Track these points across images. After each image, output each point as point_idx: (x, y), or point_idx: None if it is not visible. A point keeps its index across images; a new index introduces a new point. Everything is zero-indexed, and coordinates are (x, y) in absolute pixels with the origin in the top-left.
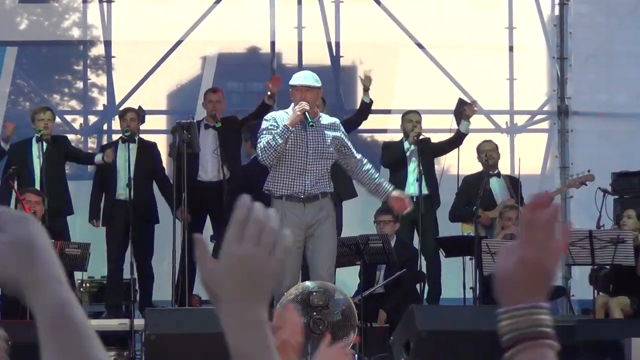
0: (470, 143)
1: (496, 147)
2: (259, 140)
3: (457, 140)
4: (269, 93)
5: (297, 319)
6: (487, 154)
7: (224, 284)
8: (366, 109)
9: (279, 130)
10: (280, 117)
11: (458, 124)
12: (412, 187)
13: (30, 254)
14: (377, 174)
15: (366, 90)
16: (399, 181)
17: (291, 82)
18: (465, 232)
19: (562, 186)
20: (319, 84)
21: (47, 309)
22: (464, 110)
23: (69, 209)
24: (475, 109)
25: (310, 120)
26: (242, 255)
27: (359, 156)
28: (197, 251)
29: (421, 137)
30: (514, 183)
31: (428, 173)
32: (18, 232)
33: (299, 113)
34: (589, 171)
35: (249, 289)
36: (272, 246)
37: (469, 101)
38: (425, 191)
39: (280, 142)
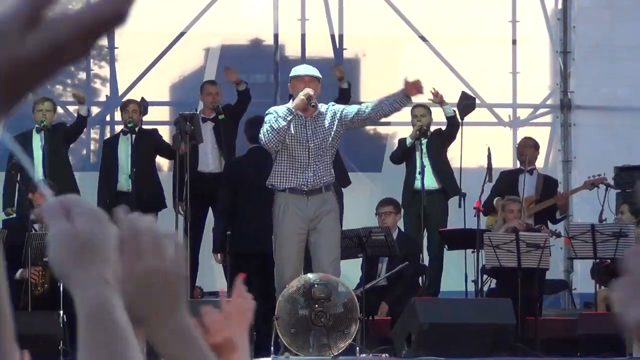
0: (473, 136)
1: (534, 144)
2: (262, 129)
3: (451, 125)
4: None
5: (245, 299)
6: (521, 150)
7: (137, 303)
8: (345, 94)
9: (281, 113)
10: (281, 111)
11: (461, 117)
12: (418, 181)
13: (84, 251)
14: (381, 100)
15: (340, 79)
16: (408, 176)
17: (293, 74)
18: (490, 225)
19: (578, 187)
20: (320, 76)
21: (86, 307)
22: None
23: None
24: (439, 96)
25: (312, 102)
26: (147, 271)
27: (358, 106)
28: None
29: (432, 128)
30: (548, 182)
31: (438, 164)
32: (82, 227)
33: (302, 97)
34: (599, 175)
35: (165, 301)
36: (168, 251)
37: (472, 94)
38: (435, 185)
39: (283, 124)
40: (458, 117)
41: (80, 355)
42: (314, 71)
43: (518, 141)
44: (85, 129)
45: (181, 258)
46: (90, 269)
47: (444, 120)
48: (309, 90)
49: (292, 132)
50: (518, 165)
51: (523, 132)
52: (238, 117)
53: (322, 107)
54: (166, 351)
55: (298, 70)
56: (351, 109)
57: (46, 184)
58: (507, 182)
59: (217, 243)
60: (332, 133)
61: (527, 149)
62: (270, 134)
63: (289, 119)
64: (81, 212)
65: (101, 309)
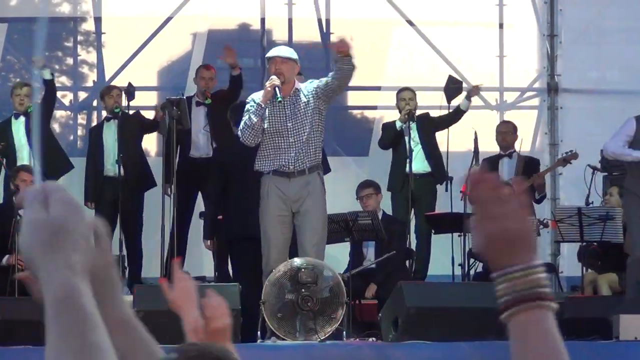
0: (460, 120)
1: (512, 129)
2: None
3: (456, 116)
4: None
5: (220, 302)
6: (502, 134)
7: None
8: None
9: (252, 109)
10: (258, 97)
11: (448, 101)
12: (413, 164)
13: (55, 238)
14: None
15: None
16: (398, 160)
17: (266, 55)
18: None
19: (551, 166)
20: (294, 57)
21: (54, 294)
22: (471, 92)
23: (67, 167)
24: (478, 90)
25: (279, 96)
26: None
27: (328, 77)
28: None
29: (418, 112)
30: (529, 164)
31: (429, 148)
32: (56, 214)
33: (269, 89)
34: (571, 151)
35: (100, 293)
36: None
37: (459, 78)
38: (426, 168)
39: (255, 120)
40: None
41: (49, 340)
42: (286, 52)
43: (498, 125)
44: (72, 115)
45: (105, 248)
46: (59, 255)
47: (430, 104)
48: (274, 81)
49: (269, 113)
50: (497, 149)
51: (510, 116)
52: (230, 103)
53: (305, 86)
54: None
55: (270, 52)
56: (321, 81)
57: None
58: (490, 168)
59: (208, 229)
60: (311, 110)
61: (506, 135)
62: (245, 131)
63: (260, 112)
64: (57, 199)
65: (69, 295)
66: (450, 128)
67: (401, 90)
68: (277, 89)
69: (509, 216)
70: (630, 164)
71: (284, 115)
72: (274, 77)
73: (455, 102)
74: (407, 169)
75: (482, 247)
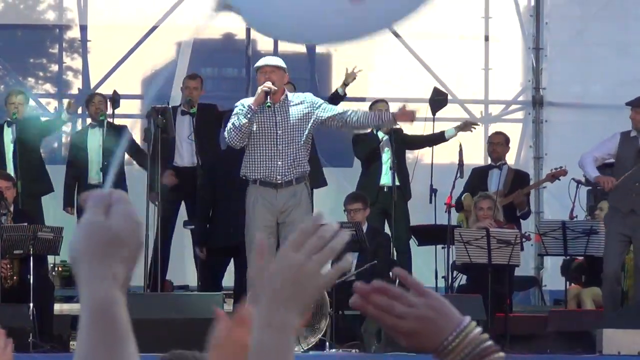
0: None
1: (504, 140)
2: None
3: (436, 140)
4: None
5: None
6: (493, 145)
7: (266, 285)
8: (337, 100)
9: (242, 111)
10: (247, 102)
11: (433, 112)
12: (385, 177)
13: (108, 246)
14: (369, 111)
15: (345, 84)
16: (372, 172)
17: (255, 65)
18: (461, 221)
19: (538, 181)
20: (283, 65)
21: (91, 302)
22: (464, 126)
23: (48, 189)
24: (475, 127)
25: (268, 102)
26: (292, 263)
27: (341, 109)
28: (256, 249)
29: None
30: (519, 177)
31: (399, 164)
32: (114, 223)
33: (260, 92)
34: (561, 167)
35: (287, 295)
36: (326, 262)
37: (444, 90)
38: (397, 182)
39: (244, 121)
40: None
41: (80, 344)
42: (275, 61)
43: (490, 137)
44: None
45: (332, 277)
46: (107, 263)
47: (419, 116)
48: (265, 86)
49: (261, 118)
50: (489, 161)
51: (495, 129)
52: (219, 122)
53: (293, 95)
54: (258, 339)
55: (259, 62)
56: (329, 109)
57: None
58: (478, 179)
59: (198, 236)
60: (304, 122)
61: (497, 146)
62: (232, 132)
63: (249, 115)
64: (119, 209)
65: (109, 305)
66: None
67: (375, 102)
68: (268, 94)
69: (407, 316)
70: (612, 175)
71: (273, 123)
72: (268, 82)
73: (442, 117)
74: (382, 181)
75: (410, 344)
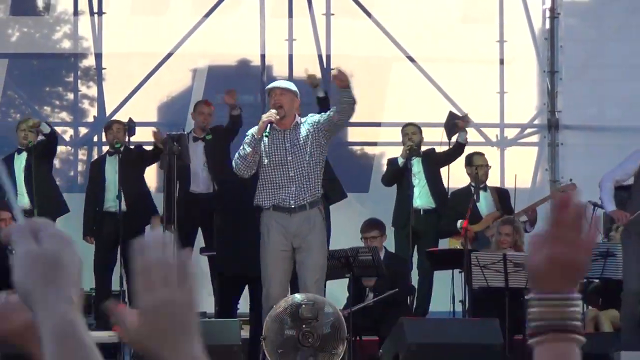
0: (460, 156)
1: (486, 161)
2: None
3: (456, 150)
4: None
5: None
6: (477, 167)
7: (152, 337)
8: (324, 104)
9: (247, 140)
10: (254, 131)
11: (449, 137)
12: (418, 200)
13: (50, 272)
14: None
15: (315, 86)
16: (403, 196)
17: (266, 88)
18: (453, 247)
19: (545, 197)
20: (294, 89)
21: (52, 327)
22: (457, 123)
23: (62, 209)
24: (468, 120)
25: (267, 132)
26: (157, 304)
27: (331, 110)
28: (114, 317)
29: (423, 148)
30: (502, 195)
31: (434, 184)
32: (49, 247)
33: (265, 120)
34: (570, 180)
35: (178, 332)
36: (180, 280)
37: (459, 114)
38: (431, 204)
39: (248, 150)
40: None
41: None
42: (285, 84)
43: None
44: (72, 150)
45: (192, 289)
46: (56, 289)
47: (430, 140)
48: (269, 116)
49: (268, 147)
50: (498, 184)
51: (510, 152)
52: (228, 140)
53: (301, 119)
54: None
55: (270, 85)
56: (323, 115)
57: (19, 209)
58: (465, 202)
59: (214, 264)
60: (310, 143)
61: (487, 168)
62: (238, 162)
63: (253, 144)
64: (49, 234)
65: (68, 328)
66: (451, 164)
67: (405, 125)
68: (269, 125)
69: (579, 246)
70: (630, 198)
71: (284, 149)
72: (272, 111)
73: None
74: (413, 204)
75: (538, 264)
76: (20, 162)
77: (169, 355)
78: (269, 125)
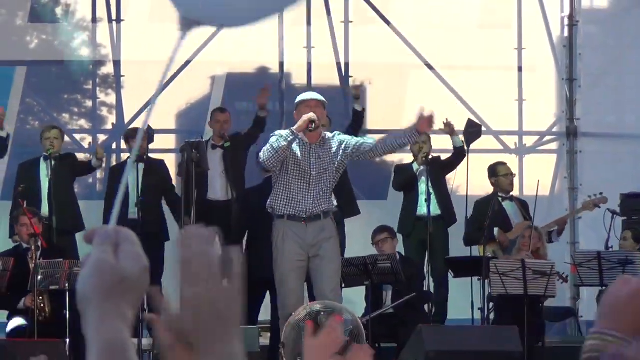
0: (479, 163)
1: (510, 170)
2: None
3: (457, 155)
4: (259, 105)
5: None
6: (503, 177)
7: (192, 330)
8: (359, 117)
9: (284, 134)
10: (285, 133)
11: (467, 144)
12: (423, 208)
13: (119, 287)
14: (389, 135)
15: (357, 98)
16: (410, 203)
17: (299, 99)
18: (488, 253)
19: (577, 208)
20: (325, 102)
21: (104, 339)
22: (447, 127)
23: (79, 226)
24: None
25: (310, 127)
26: (198, 297)
27: (370, 141)
28: (155, 303)
29: (430, 156)
30: (524, 206)
31: (439, 192)
32: (124, 265)
33: (305, 119)
34: (601, 194)
35: (218, 328)
36: (223, 276)
37: (478, 122)
38: (437, 211)
39: (283, 144)
40: (465, 148)
41: None
42: (319, 96)
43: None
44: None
45: (235, 286)
46: (118, 304)
47: (449, 147)
48: (311, 115)
49: (297, 156)
50: (517, 192)
51: (529, 160)
52: (248, 145)
53: (327, 134)
54: None
55: (304, 96)
56: (354, 140)
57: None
58: (485, 210)
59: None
60: (335, 162)
61: (507, 178)
62: (269, 153)
63: (290, 139)
64: (128, 250)
65: (118, 344)
66: (469, 172)
67: None
68: (311, 123)
69: None
70: None
71: (309, 163)
72: (312, 113)
73: (476, 149)
74: (419, 212)
75: (617, 298)
76: (44, 169)
77: (205, 350)
78: (311, 124)
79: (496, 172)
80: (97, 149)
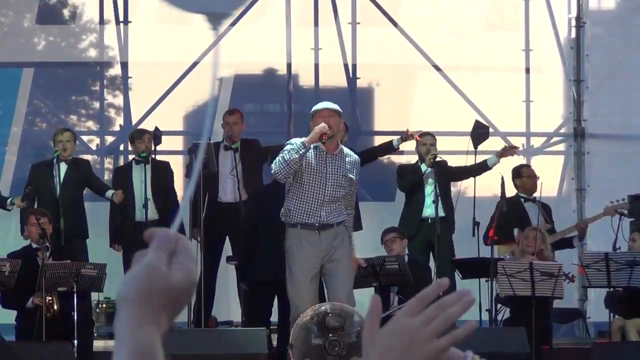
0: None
1: (534, 172)
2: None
3: (479, 170)
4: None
5: None
6: (533, 180)
7: (376, 347)
8: (390, 151)
9: (295, 146)
10: (300, 141)
11: (475, 146)
12: (429, 209)
13: (160, 295)
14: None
15: (403, 140)
16: (415, 204)
17: (313, 110)
18: (503, 255)
19: (599, 214)
20: (340, 111)
21: (133, 344)
22: (504, 151)
23: (84, 232)
24: (517, 153)
25: (323, 140)
26: (405, 328)
27: (350, 210)
28: (369, 311)
29: (437, 159)
30: (547, 210)
31: (444, 196)
32: (174, 276)
33: (317, 132)
34: (623, 200)
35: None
36: (441, 332)
37: (485, 123)
38: (441, 213)
39: (295, 157)
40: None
41: None
42: (333, 105)
43: (523, 170)
44: (98, 159)
45: (445, 346)
46: (157, 312)
47: (456, 149)
48: (323, 126)
49: (313, 165)
50: (532, 194)
51: (537, 161)
52: (263, 160)
53: (349, 152)
54: None
55: (318, 106)
56: (350, 200)
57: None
58: (514, 211)
59: (240, 271)
60: (349, 177)
61: (535, 179)
62: (280, 165)
63: (302, 152)
64: (182, 263)
65: (149, 351)
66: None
67: (422, 135)
68: (322, 136)
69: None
70: None
71: (324, 174)
72: (324, 124)
73: (484, 150)
74: (424, 213)
75: None
76: (56, 171)
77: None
78: (323, 136)
79: (520, 173)
80: (119, 193)
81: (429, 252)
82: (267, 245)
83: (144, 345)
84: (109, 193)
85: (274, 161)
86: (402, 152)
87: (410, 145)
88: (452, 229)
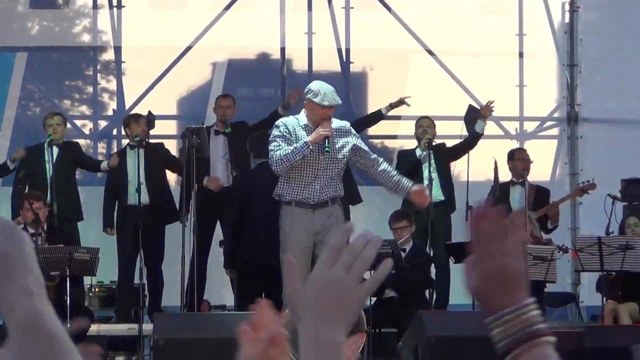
0: (480, 149)
1: (527, 156)
2: (271, 147)
3: (472, 141)
4: (284, 103)
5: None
6: (524, 163)
7: (307, 304)
8: (378, 119)
9: (298, 146)
10: (290, 123)
11: (468, 130)
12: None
13: (3, 268)
14: (395, 172)
15: (391, 107)
16: None
17: (319, 102)
18: None
19: (567, 195)
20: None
21: (16, 321)
22: (480, 110)
23: (79, 215)
24: (491, 109)
25: (327, 146)
26: (329, 279)
27: (374, 156)
28: (285, 270)
29: (435, 142)
30: (542, 193)
31: (444, 178)
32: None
33: (322, 133)
34: (590, 180)
35: (331, 313)
36: (362, 275)
37: (478, 107)
38: (441, 197)
39: (297, 158)
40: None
41: None
42: (338, 99)
43: (515, 153)
44: (92, 143)
45: (370, 288)
46: (12, 283)
47: (450, 133)
48: (330, 132)
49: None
50: (522, 178)
51: (530, 145)
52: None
53: (337, 122)
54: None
55: (327, 101)
56: (362, 152)
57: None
58: (504, 196)
59: (228, 258)
60: (342, 153)
61: (528, 163)
62: (282, 165)
63: (305, 153)
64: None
65: (33, 319)
66: (470, 157)
67: (420, 119)
68: (327, 139)
69: (508, 253)
70: None
71: (318, 152)
72: (329, 131)
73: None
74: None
75: (476, 286)
76: (47, 155)
77: (313, 329)
78: (327, 139)
79: (513, 156)
80: (113, 156)
81: (426, 236)
82: (258, 229)
83: (21, 318)
84: (104, 164)
85: (274, 157)
86: (396, 137)
87: (407, 129)
88: (452, 210)
